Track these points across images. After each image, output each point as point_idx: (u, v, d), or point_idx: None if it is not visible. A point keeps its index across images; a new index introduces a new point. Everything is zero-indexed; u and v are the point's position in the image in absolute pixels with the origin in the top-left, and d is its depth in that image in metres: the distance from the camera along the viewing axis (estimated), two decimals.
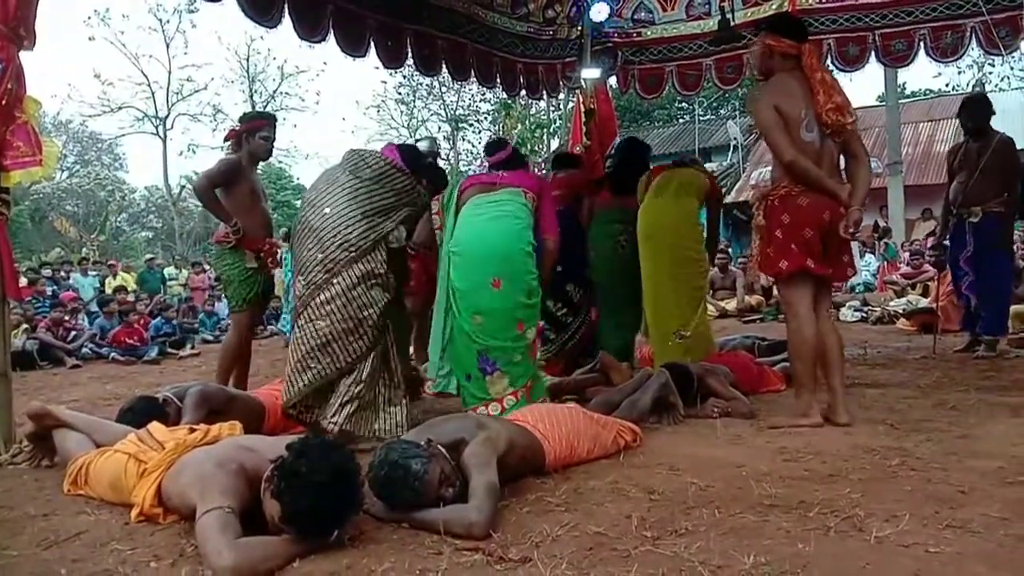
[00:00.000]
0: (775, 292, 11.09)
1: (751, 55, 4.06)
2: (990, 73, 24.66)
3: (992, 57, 12.09)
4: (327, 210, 3.60)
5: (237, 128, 4.79)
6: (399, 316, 3.97)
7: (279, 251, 4.91)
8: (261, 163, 4.94)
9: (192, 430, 2.87)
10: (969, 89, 23.20)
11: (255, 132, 4.70)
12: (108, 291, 11.81)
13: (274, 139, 4.77)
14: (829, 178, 3.59)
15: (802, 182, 3.57)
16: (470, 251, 3.76)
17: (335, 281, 3.51)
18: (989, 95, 6.59)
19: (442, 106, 29.08)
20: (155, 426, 2.92)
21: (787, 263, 3.61)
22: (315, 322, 3.51)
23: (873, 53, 6.49)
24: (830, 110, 3.54)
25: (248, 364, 4.94)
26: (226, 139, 4.86)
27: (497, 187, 3.87)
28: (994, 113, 5.73)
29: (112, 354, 8.54)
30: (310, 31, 5.13)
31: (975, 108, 5.79)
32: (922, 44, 6.36)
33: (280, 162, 31.97)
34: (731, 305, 10.85)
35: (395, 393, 3.70)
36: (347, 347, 3.53)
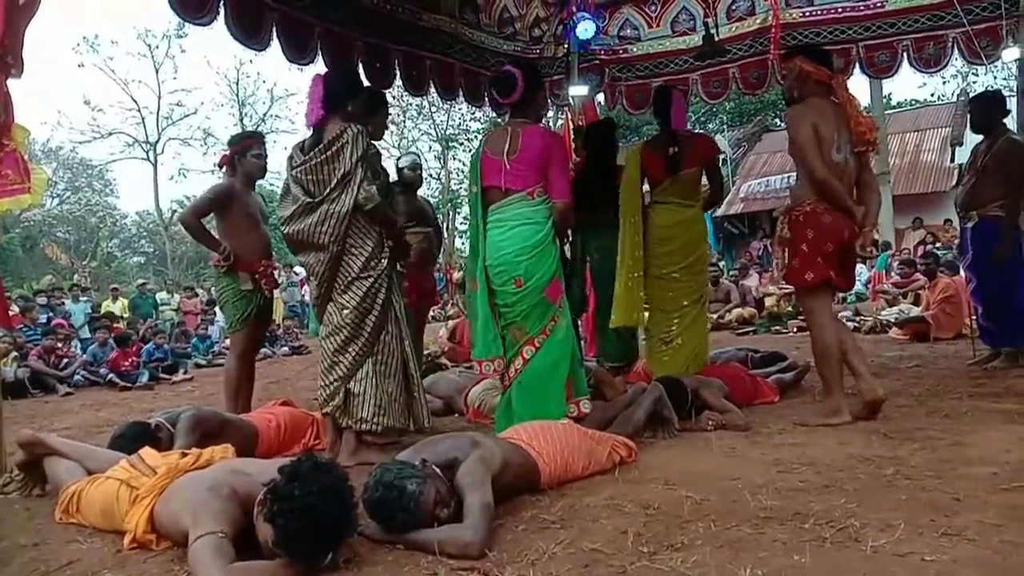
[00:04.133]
0: (767, 304, 11.19)
1: (785, 78, 4.17)
2: (974, 83, 24.93)
3: (975, 67, 12.23)
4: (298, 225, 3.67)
5: (228, 152, 4.82)
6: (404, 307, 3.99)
7: (275, 272, 4.89)
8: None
9: (184, 455, 2.86)
10: (954, 99, 23.40)
11: (246, 152, 4.73)
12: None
13: (266, 156, 4.79)
14: (849, 199, 3.89)
15: (827, 200, 3.86)
16: (494, 263, 3.92)
17: (334, 286, 3.67)
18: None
19: (432, 126, 29.22)
20: (147, 451, 2.90)
21: (812, 275, 3.91)
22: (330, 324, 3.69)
23: (857, 65, 6.54)
24: (863, 131, 3.90)
25: (251, 386, 4.92)
26: (219, 165, 4.89)
27: (506, 193, 3.89)
28: (1003, 112, 5.54)
29: (110, 376, 8.51)
30: (298, 53, 5.15)
31: (975, 106, 5.74)
32: (905, 55, 6.41)
33: (271, 184, 31.98)
34: (717, 316, 10.86)
35: (414, 386, 3.82)
36: (354, 343, 3.66)
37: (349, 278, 3.66)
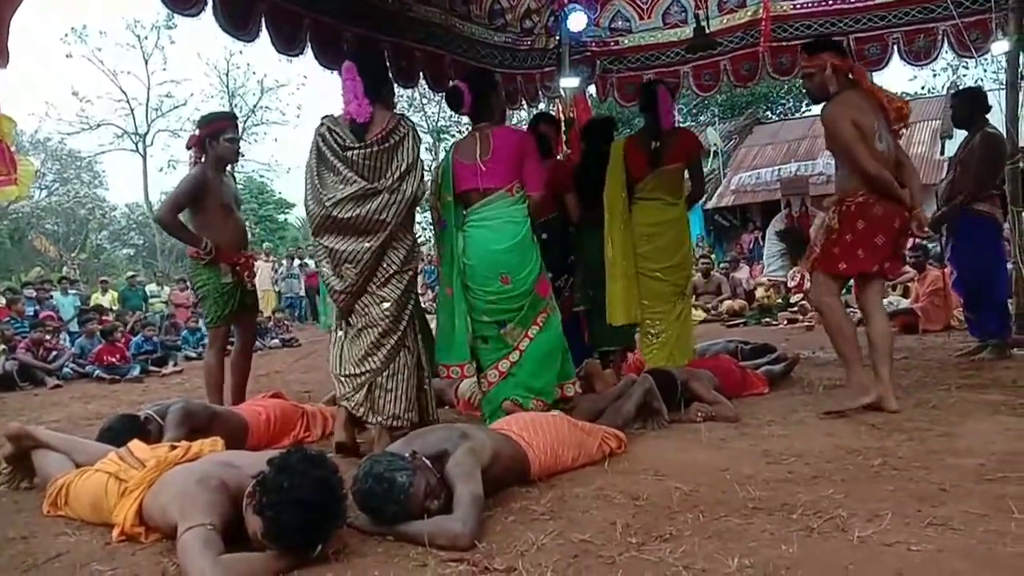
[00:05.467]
0: (757, 296, 11.23)
1: (811, 77, 4.03)
2: (964, 76, 24.97)
3: (965, 59, 12.26)
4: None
5: (198, 133, 4.59)
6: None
7: (255, 264, 4.77)
8: (239, 174, 4.90)
9: (173, 447, 2.85)
10: (944, 91, 23.47)
11: (219, 135, 4.52)
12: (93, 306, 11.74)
13: (239, 139, 4.63)
14: (898, 188, 3.90)
15: (879, 191, 3.85)
16: (478, 261, 3.90)
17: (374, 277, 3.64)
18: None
19: (424, 117, 29.12)
20: (136, 444, 2.89)
21: (846, 265, 3.95)
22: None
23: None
24: (900, 107, 3.96)
25: (246, 378, 4.85)
26: (188, 146, 4.66)
27: (484, 193, 3.89)
28: (982, 107, 5.57)
29: (96, 372, 8.47)
30: (287, 45, 5.12)
31: (956, 101, 5.78)
32: (896, 48, 6.43)
33: (262, 176, 31.88)
34: (720, 308, 10.92)
35: (425, 380, 3.86)
36: (390, 337, 3.66)
37: (390, 271, 3.64)
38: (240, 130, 4.64)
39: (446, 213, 4.01)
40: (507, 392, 3.88)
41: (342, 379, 3.68)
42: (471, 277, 3.92)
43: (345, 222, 3.57)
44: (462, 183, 3.94)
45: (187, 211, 4.55)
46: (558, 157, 6.86)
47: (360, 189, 3.55)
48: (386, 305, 3.63)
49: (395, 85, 4.65)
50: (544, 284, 3.96)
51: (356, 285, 3.61)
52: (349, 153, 3.61)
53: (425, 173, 3.83)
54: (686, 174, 5.20)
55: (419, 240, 5.86)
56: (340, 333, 3.75)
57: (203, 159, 4.58)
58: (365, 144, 3.60)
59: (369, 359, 3.63)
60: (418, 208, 3.84)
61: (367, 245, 3.57)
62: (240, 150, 4.72)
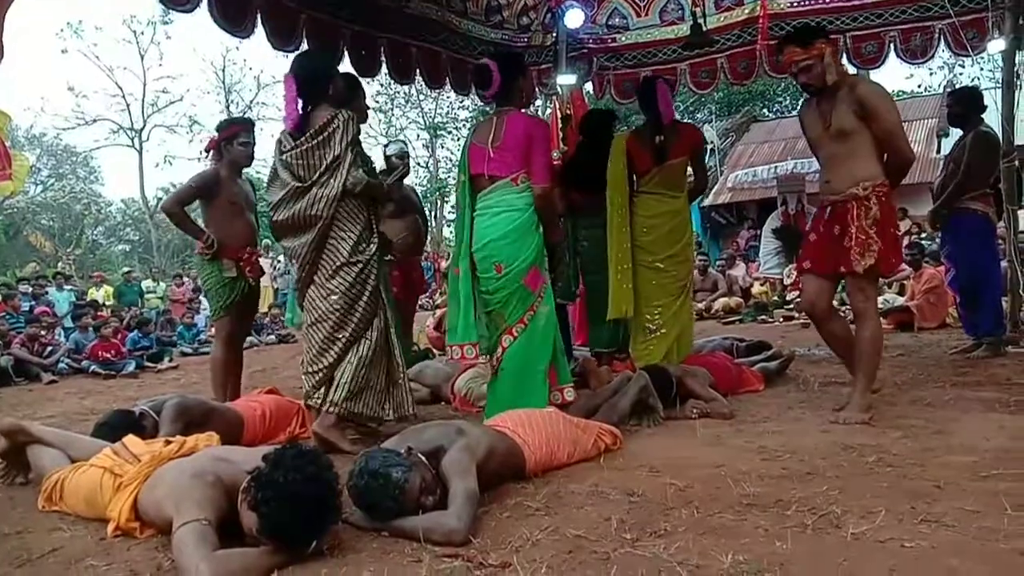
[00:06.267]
0: (754, 293, 11.24)
1: (810, 68, 3.78)
2: (960, 74, 24.99)
3: (962, 58, 12.28)
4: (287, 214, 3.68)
5: (215, 137, 4.80)
6: (389, 296, 4.03)
7: (259, 260, 4.87)
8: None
9: (168, 442, 2.85)
10: (941, 90, 23.49)
11: (233, 139, 4.71)
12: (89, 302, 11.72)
13: (254, 144, 4.77)
14: None
15: (898, 181, 3.76)
16: (479, 250, 3.93)
17: (318, 270, 3.68)
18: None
19: (420, 114, 29.10)
20: (131, 439, 2.89)
21: (896, 259, 3.79)
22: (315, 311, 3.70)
23: (845, 56, 6.55)
24: None
25: (240, 374, 4.89)
26: (206, 150, 4.88)
27: (491, 180, 3.89)
28: (977, 107, 5.60)
29: (92, 367, 8.46)
30: (283, 41, 5.10)
31: (952, 100, 5.81)
32: (892, 46, 6.43)
33: (258, 172, 31.79)
34: (704, 304, 10.92)
35: (398, 374, 3.83)
36: (343, 331, 3.66)
37: (337, 263, 3.65)
38: (254, 134, 4.81)
39: (460, 193, 4.07)
40: (498, 388, 3.87)
41: (304, 376, 3.75)
42: (477, 264, 3.95)
43: (283, 223, 3.70)
44: (474, 166, 3.97)
45: (200, 206, 4.76)
46: (555, 154, 6.88)
47: (290, 190, 3.64)
48: (334, 298, 3.64)
49: (359, 79, 4.58)
50: (535, 277, 3.88)
51: (301, 280, 3.74)
52: (285, 156, 3.69)
53: (422, 168, 3.84)
54: (689, 169, 5.21)
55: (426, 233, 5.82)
56: (305, 329, 3.82)
57: (220, 161, 4.75)
58: (297, 144, 3.65)
59: (325, 355, 3.66)
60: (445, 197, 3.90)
61: (303, 239, 3.66)
62: (253, 154, 4.86)
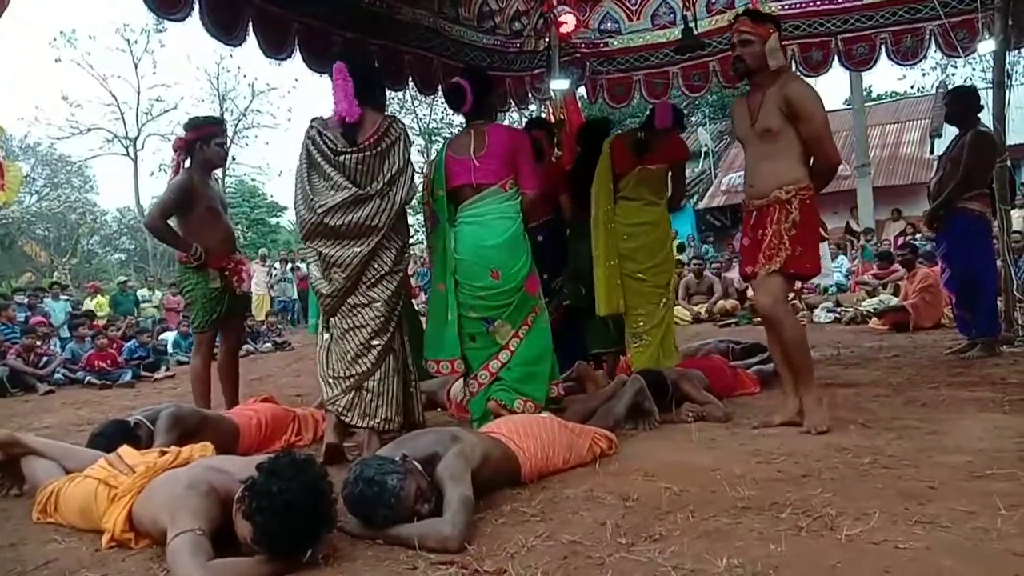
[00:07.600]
0: (749, 295, 11.24)
1: (748, 44, 3.75)
2: (953, 75, 25.07)
3: (953, 59, 12.32)
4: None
5: (185, 136, 4.54)
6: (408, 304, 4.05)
7: (244, 268, 4.73)
8: (229, 178, 4.88)
9: (163, 453, 2.85)
10: (934, 91, 23.56)
11: (209, 140, 4.50)
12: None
13: (228, 143, 4.62)
14: None
15: (822, 185, 3.65)
16: (469, 256, 3.90)
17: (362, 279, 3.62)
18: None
19: (415, 119, 29.09)
20: (125, 450, 2.89)
21: (811, 265, 3.64)
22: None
23: (836, 58, 6.59)
24: None
25: (236, 382, 4.83)
26: (175, 148, 4.59)
27: (477, 189, 3.90)
28: (974, 106, 5.60)
29: (88, 378, 8.44)
30: (276, 49, 5.10)
31: (950, 99, 5.82)
32: (883, 48, 6.46)
33: (253, 180, 31.81)
34: (705, 308, 10.95)
35: (412, 382, 3.86)
36: (379, 339, 3.64)
37: (381, 272, 3.63)
38: (227, 133, 4.61)
39: (438, 208, 4.02)
40: (497, 395, 3.88)
41: (330, 381, 3.67)
42: (461, 272, 3.92)
43: (336, 228, 3.57)
44: (455, 178, 3.95)
45: (175, 217, 4.51)
46: (552, 159, 6.89)
47: (351, 195, 3.53)
48: (376, 306, 3.62)
49: (386, 88, 4.61)
50: (533, 282, 3.97)
51: (344, 289, 3.61)
52: (341, 158, 3.58)
53: (416, 175, 3.83)
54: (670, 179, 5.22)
55: (412, 242, 5.80)
56: (327, 335, 3.74)
57: (187, 163, 4.54)
58: (358, 148, 3.58)
59: (358, 362, 3.61)
60: (410, 209, 3.84)
61: (357, 251, 3.57)
62: (227, 154, 4.71)
